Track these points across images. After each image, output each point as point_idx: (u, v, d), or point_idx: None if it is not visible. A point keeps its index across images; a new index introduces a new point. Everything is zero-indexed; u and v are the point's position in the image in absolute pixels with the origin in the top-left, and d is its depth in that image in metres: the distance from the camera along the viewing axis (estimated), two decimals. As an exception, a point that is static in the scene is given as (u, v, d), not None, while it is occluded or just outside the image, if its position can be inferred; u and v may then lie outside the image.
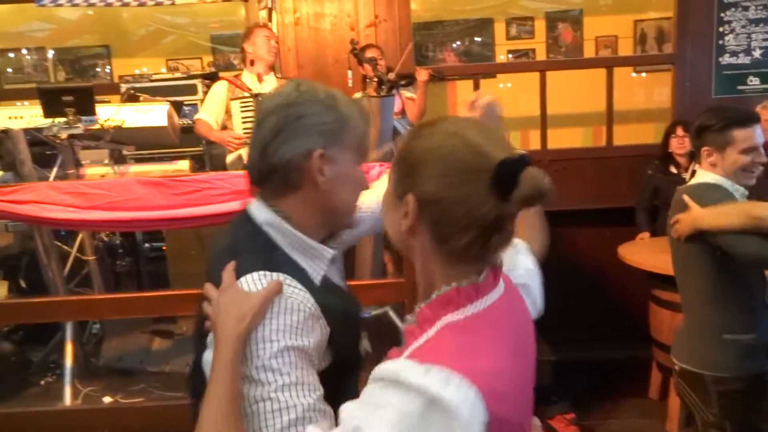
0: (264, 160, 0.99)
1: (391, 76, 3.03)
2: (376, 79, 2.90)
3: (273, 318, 0.89)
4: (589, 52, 5.61)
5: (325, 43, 4.51)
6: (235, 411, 0.85)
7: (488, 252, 0.82)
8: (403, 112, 3.66)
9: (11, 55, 5.78)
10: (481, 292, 0.81)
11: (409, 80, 3.59)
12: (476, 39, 5.75)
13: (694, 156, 3.49)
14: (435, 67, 3.87)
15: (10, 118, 2.91)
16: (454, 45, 5.78)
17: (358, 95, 3.50)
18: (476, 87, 4.74)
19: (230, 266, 0.95)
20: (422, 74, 3.63)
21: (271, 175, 0.99)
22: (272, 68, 3.52)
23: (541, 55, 5.67)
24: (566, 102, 4.92)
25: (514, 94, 5.67)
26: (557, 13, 5.65)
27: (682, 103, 4.07)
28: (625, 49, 5.58)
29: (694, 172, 3.53)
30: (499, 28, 5.72)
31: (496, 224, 0.79)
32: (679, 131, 3.51)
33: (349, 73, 3.24)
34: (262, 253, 0.97)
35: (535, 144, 4.44)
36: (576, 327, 3.60)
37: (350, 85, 3.35)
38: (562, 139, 4.83)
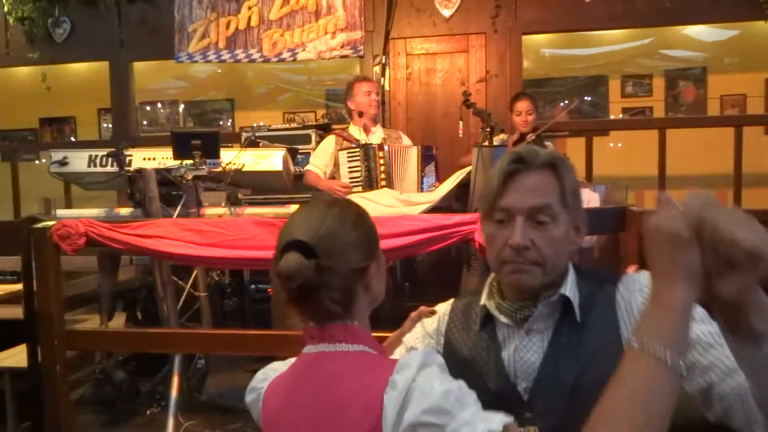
0: None
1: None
2: (489, 130, 2.87)
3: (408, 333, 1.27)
4: (713, 110, 5.28)
5: (435, 97, 4.58)
6: None
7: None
8: None
9: (148, 108, 6.38)
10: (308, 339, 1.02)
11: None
12: (586, 98, 5.61)
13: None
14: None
15: (144, 159, 3.15)
16: (562, 103, 5.66)
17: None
18: (588, 144, 4.58)
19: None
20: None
21: None
22: (375, 120, 3.63)
23: (658, 113, 5.41)
24: (686, 162, 4.63)
25: (626, 154, 5.43)
26: (678, 71, 5.41)
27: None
28: (755, 108, 5.20)
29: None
30: (614, 86, 5.56)
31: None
32: None
33: (461, 123, 3.25)
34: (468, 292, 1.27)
35: (650, 204, 4.18)
36: None
37: (461, 135, 3.35)
38: (680, 200, 4.52)
